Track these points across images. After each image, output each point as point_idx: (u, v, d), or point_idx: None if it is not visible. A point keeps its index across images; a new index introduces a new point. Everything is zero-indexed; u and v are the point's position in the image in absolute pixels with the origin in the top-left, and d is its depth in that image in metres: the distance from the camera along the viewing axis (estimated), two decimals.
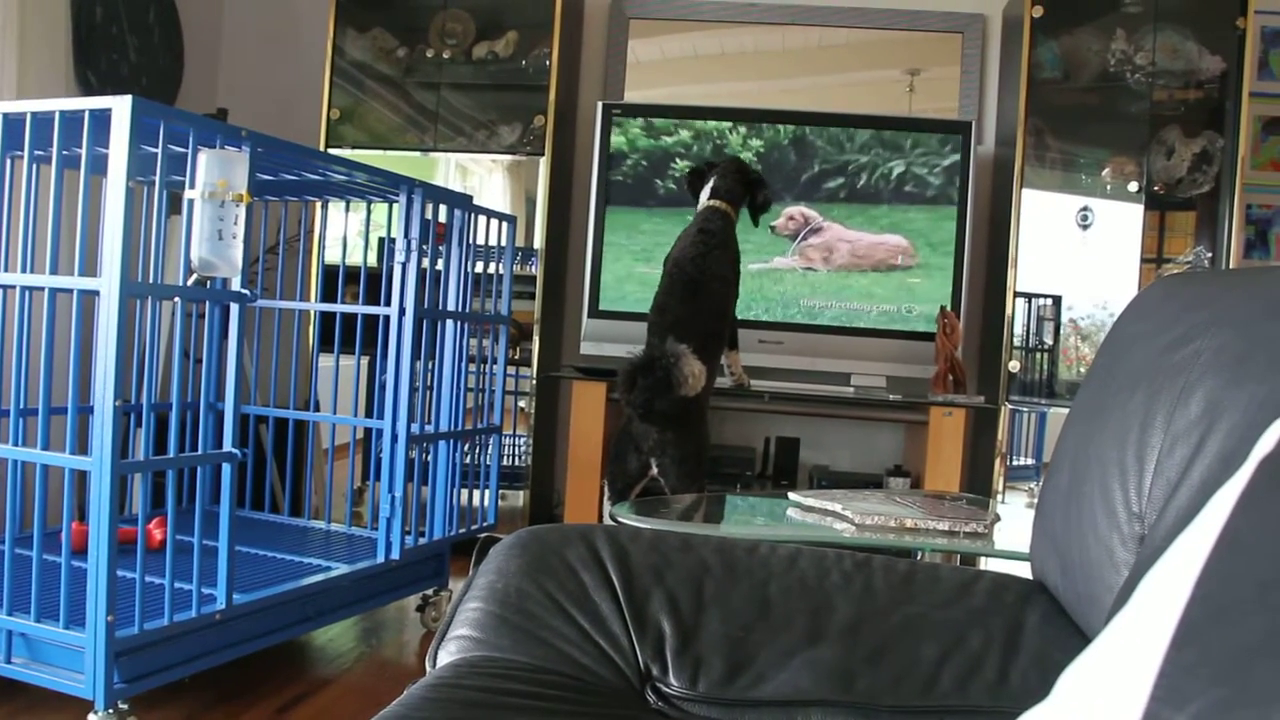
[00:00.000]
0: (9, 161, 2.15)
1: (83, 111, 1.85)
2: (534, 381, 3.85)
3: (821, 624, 1.15)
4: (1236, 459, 0.86)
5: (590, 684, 1.09)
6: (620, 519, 2.06)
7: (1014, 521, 2.22)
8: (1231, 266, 3.65)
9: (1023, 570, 1.32)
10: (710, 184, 3.16)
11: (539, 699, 1.02)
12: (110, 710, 1.86)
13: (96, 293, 1.83)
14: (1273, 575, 0.46)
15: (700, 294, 2.90)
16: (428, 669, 1.13)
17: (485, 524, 3.01)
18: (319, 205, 2.97)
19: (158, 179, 1.91)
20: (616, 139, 3.92)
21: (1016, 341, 3.73)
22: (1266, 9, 3.81)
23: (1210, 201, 3.70)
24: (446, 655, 1.13)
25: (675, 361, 2.66)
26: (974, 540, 1.95)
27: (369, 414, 3.14)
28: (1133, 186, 3.67)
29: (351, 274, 3.07)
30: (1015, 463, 3.76)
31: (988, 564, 2.98)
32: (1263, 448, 0.60)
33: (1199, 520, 0.59)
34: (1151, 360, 1.08)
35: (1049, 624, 1.16)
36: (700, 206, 3.14)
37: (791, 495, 2.27)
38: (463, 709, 0.97)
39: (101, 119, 1.83)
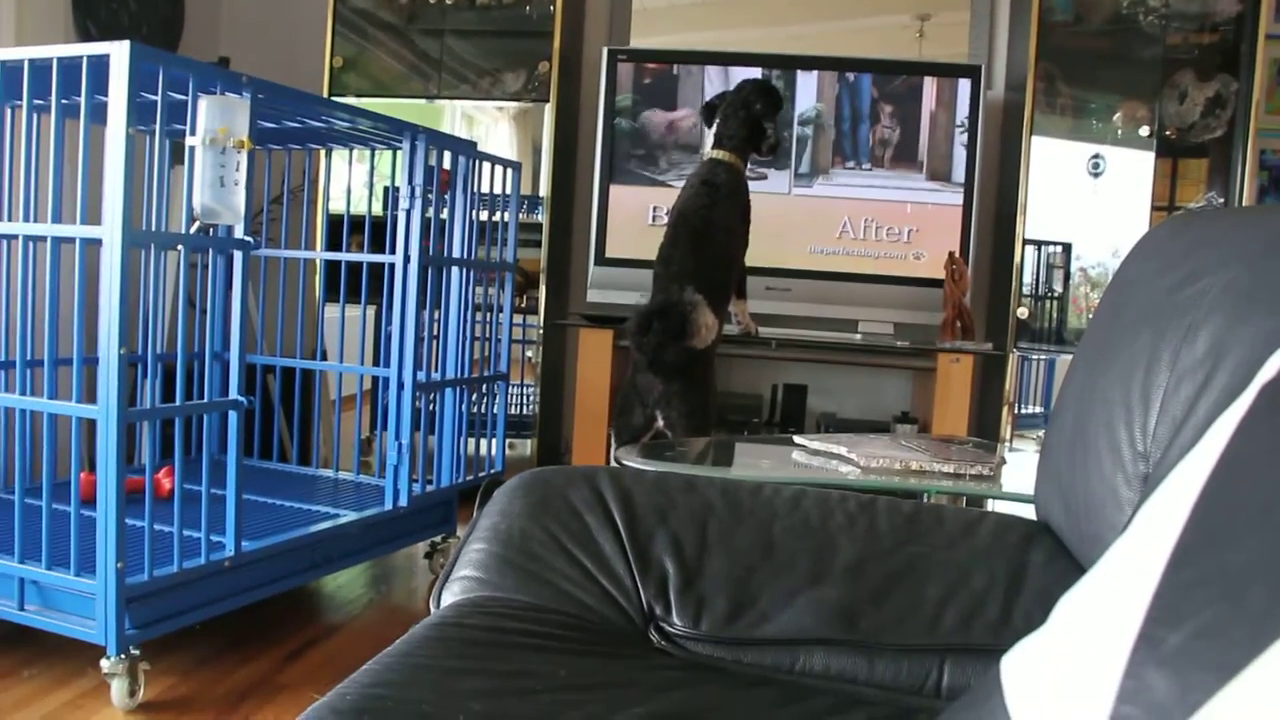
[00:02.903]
0: (8, 111, 2.14)
1: (81, 58, 1.83)
2: (541, 330, 3.84)
3: (825, 564, 1.15)
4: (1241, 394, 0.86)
5: (593, 623, 1.10)
6: (625, 462, 2.06)
7: (1021, 465, 2.22)
8: None
9: (1029, 513, 1.32)
10: (715, 127, 3.09)
11: (542, 638, 1.02)
12: (122, 656, 1.88)
13: (99, 241, 1.83)
14: (1271, 496, 0.46)
15: (705, 245, 2.87)
16: (431, 609, 1.13)
17: (493, 471, 3.02)
18: (323, 154, 2.95)
19: (158, 126, 1.89)
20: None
21: (1026, 289, 3.71)
22: None
23: (1223, 147, 3.66)
24: (450, 596, 1.14)
25: (691, 310, 2.65)
26: (980, 483, 1.94)
27: (376, 363, 3.14)
28: (1144, 131, 3.63)
29: (357, 223, 3.05)
30: (1023, 411, 3.75)
31: (995, 507, 2.98)
32: (1265, 374, 0.59)
33: (1199, 447, 0.58)
34: (1158, 299, 1.07)
35: (1053, 564, 1.16)
36: (705, 153, 3.09)
37: (797, 439, 2.27)
38: (465, 647, 0.98)
39: (100, 66, 1.82)
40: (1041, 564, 1.16)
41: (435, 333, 2.78)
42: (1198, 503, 0.50)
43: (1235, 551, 0.45)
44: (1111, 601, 0.50)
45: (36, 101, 1.99)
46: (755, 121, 3.06)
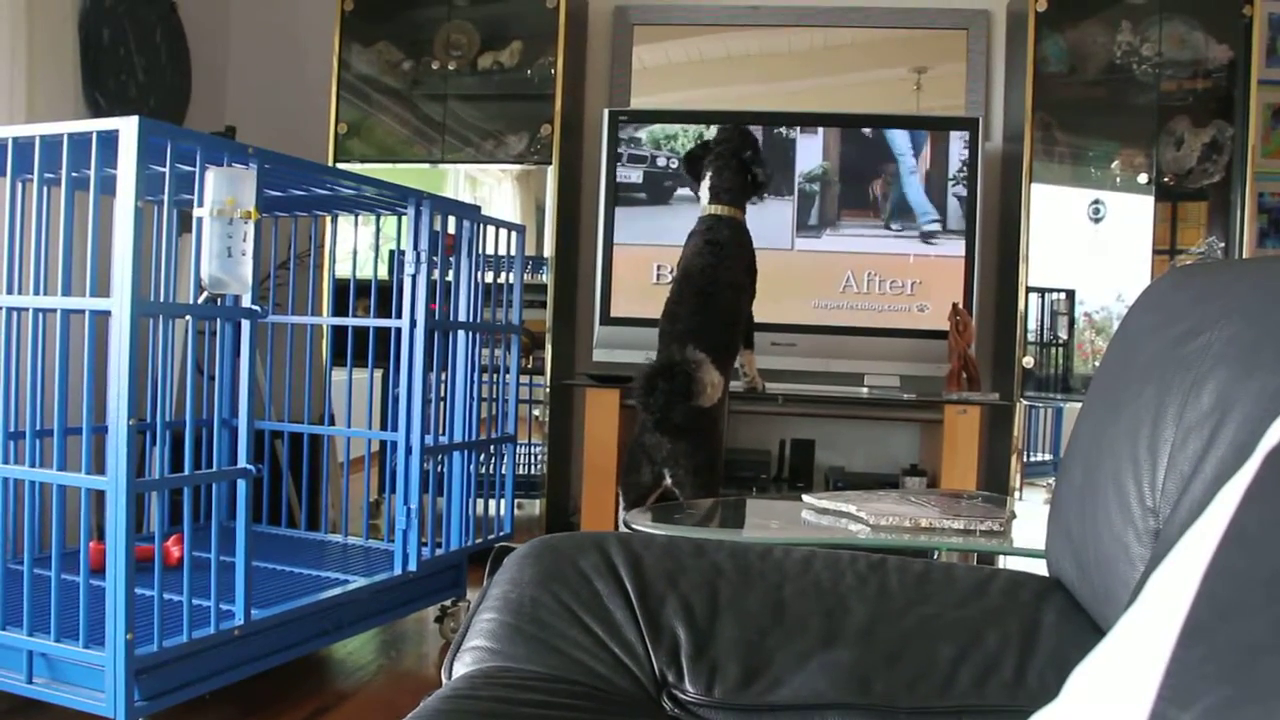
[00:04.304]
0: (19, 185, 2.17)
1: (90, 133, 1.86)
2: (547, 390, 3.85)
3: (837, 626, 1.15)
4: (1248, 450, 0.86)
5: (606, 692, 1.09)
6: (634, 526, 2.05)
7: (1031, 519, 2.21)
8: (1245, 256, 3.63)
9: (1040, 568, 1.32)
10: (708, 180, 3.08)
11: (554, 708, 1.02)
12: None
13: (108, 313, 1.84)
14: (1278, 569, 0.46)
15: (711, 303, 2.87)
16: (443, 681, 1.13)
17: (502, 533, 3.01)
18: (329, 219, 2.98)
19: (166, 198, 1.92)
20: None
21: (1030, 337, 3.72)
22: None
23: (1222, 191, 3.68)
24: (462, 666, 1.13)
25: (695, 369, 2.65)
26: (990, 539, 1.94)
27: (384, 426, 3.15)
28: (1143, 178, 3.65)
29: (363, 287, 3.07)
30: (1032, 459, 3.74)
31: (1006, 562, 2.96)
32: (1269, 441, 0.60)
33: (1206, 516, 0.58)
34: (1162, 353, 1.07)
35: (1066, 621, 1.15)
36: (702, 209, 3.08)
37: (806, 498, 2.26)
38: (477, 719, 0.97)
39: (109, 140, 1.84)
40: (1054, 622, 1.15)
41: (442, 395, 2.79)
42: (1206, 575, 0.50)
43: (1244, 627, 0.45)
44: (1123, 678, 0.50)
45: (47, 175, 2.02)
46: (749, 169, 3.06)
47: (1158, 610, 0.52)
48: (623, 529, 2.54)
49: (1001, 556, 2.88)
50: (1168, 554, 0.62)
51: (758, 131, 3.79)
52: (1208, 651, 0.46)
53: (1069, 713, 0.54)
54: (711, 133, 3.73)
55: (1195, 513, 0.91)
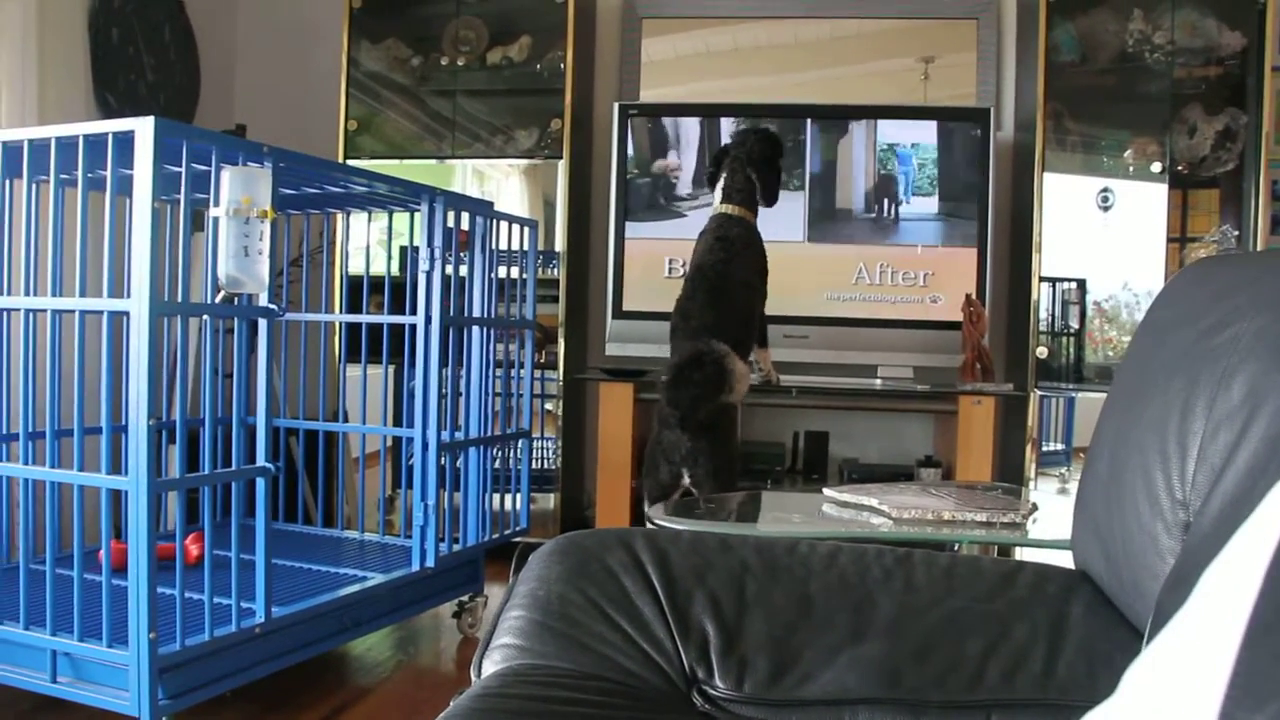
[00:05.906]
0: (35, 186, 2.17)
1: (106, 134, 1.86)
2: (561, 384, 3.85)
3: (865, 621, 1.15)
4: None
5: (636, 688, 1.09)
6: (658, 521, 2.05)
7: (1050, 510, 2.21)
8: (1259, 244, 3.62)
9: (1060, 559, 1.32)
10: (722, 180, 3.08)
11: (585, 705, 1.02)
12: None
13: (126, 313, 1.85)
14: None
15: (724, 299, 2.87)
16: (472, 679, 1.13)
17: (518, 528, 3.01)
18: (340, 216, 2.98)
19: (182, 198, 1.92)
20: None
21: (1043, 327, 3.71)
22: None
23: (1235, 179, 3.67)
24: (491, 664, 1.14)
25: (723, 358, 2.64)
26: (1012, 531, 1.93)
27: (398, 423, 3.15)
28: (1156, 167, 3.64)
29: (375, 284, 3.08)
30: (1046, 449, 3.74)
31: (1024, 553, 2.96)
32: None
33: (1260, 512, 0.58)
34: (1188, 346, 1.07)
35: (1094, 614, 1.15)
36: (714, 208, 3.08)
37: (826, 491, 2.26)
38: (509, 718, 0.97)
39: (124, 141, 1.84)
40: (1082, 615, 1.15)
41: (457, 390, 2.79)
42: (1269, 574, 0.50)
43: None
44: (1186, 678, 0.49)
45: (62, 176, 2.02)
46: (760, 171, 3.06)
47: (1218, 608, 0.52)
48: (648, 525, 2.54)
49: (1021, 548, 2.88)
50: (1207, 547, 0.62)
51: (768, 124, 3.78)
52: (1276, 652, 0.46)
53: (1130, 711, 0.54)
54: (718, 124, 3.73)
55: (1229, 505, 0.91)
